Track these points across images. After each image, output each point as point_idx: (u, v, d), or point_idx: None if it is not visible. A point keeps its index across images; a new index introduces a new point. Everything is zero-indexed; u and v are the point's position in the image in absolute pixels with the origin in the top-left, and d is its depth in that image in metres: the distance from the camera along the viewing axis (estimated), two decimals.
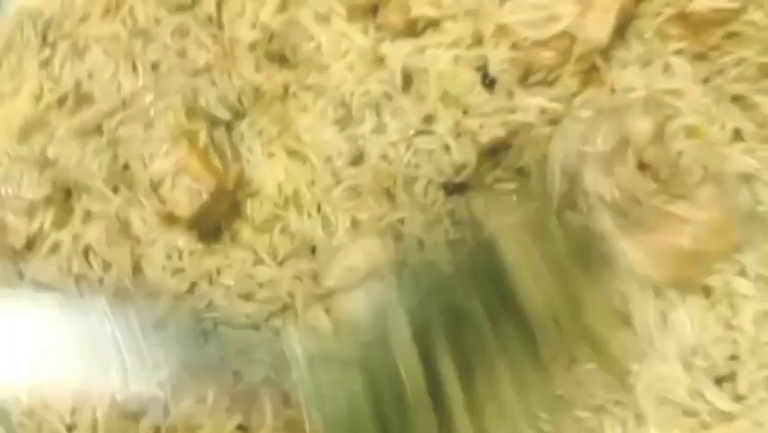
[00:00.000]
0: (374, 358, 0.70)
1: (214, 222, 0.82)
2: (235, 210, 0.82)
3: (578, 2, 0.78)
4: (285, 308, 0.77)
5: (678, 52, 0.79)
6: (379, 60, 0.83)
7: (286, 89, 0.85)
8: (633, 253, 0.74)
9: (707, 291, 0.74)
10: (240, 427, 0.73)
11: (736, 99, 0.78)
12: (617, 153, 0.75)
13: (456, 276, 0.72)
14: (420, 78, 0.80)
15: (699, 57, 0.79)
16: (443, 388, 0.69)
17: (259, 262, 0.80)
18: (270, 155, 0.83)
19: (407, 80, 0.81)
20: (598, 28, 0.78)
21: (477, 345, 0.70)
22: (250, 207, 0.83)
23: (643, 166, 0.76)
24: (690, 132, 0.77)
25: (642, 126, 0.76)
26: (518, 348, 0.70)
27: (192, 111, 0.83)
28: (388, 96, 0.81)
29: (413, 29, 0.83)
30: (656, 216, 0.74)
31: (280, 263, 0.79)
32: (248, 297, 0.78)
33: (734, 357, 0.73)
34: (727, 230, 0.74)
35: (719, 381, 0.73)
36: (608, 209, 0.75)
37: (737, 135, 0.77)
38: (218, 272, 0.80)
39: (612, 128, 0.76)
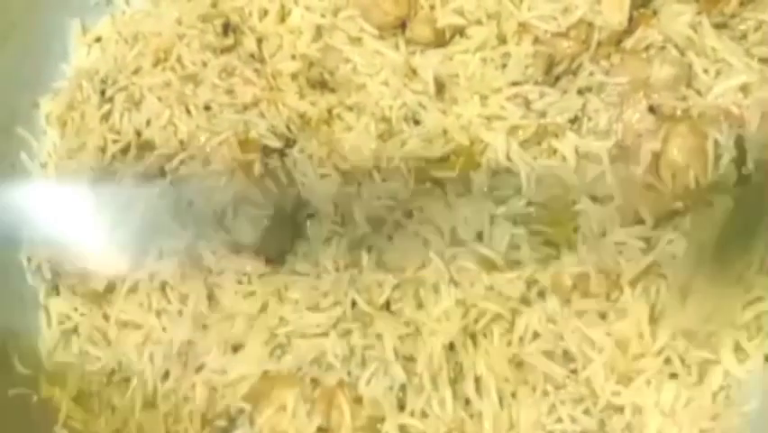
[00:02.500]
0: None
1: (278, 246, 0.86)
2: (297, 231, 0.86)
3: None
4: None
5: (698, 24, 0.81)
6: (412, 73, 0.87)
7: (330, 112, 0.89)
8: None
9: None
10: (320, 428, 0.76)
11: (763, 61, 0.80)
12: None
13: None
14: (451, 83, 0.84)
15: (720, 26, 0.81)
16: None
17: (321, 274, 0.83)
18: (323, 176, 0.87)
19: (440, 87, 0.84)
20: (615, 12, 0.81)
21: None
22: (310, 227, 0.87)
23: None
24: None
25: None
26: None
27: (245, 143, 0.87)
28: (423, 106, 0.84)
29: (441, 39, 0.88)
30: None
31: (338, 270, 0.82)
32: (315, 307, 0.81)
33: None
34: None
35: None
36: None
37: None
38: (286, 289, 0.83)
39: None
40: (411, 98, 0.86)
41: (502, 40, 0.84)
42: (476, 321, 0.79)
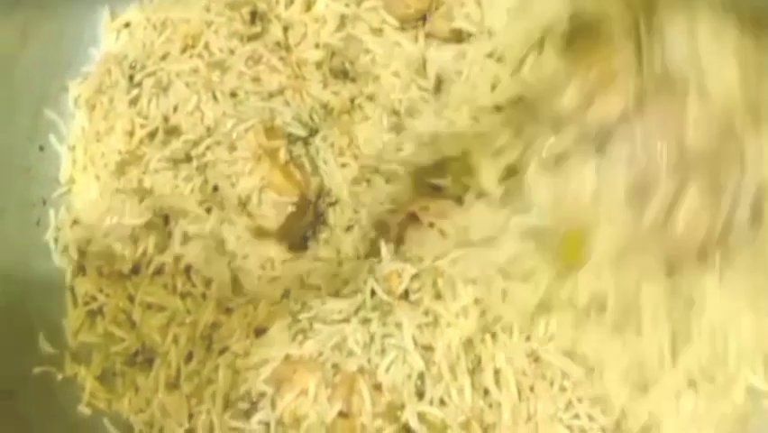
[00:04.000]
0: None
1: (301, 232, 0.88)
2: (319, 219, 0.87)
3: None
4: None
5: None
6: (423, 67, 0.88)
7: (352, 102, 0.90)
8: None
9: None
10: (341, 413, 0.77)
11: None
12: None
13: None
14: (451, 82, 0.85)
15: None
16: None
17: (342, 261, 0.84)
18: (344, 165, 0.88)
19: (438, 85, 0.86)
20: None
21: None
22: (332, 214, 0.88)
23: None
24: None
25: None
26: None
27: (270, 131, 0.88)
28: (425, 100, 0.85)
29: (458, 36, 0.88)
30: None
31: (359, 258, 0.83)
32: (336, 294, 0.82)
33: None
34: None
35: None
36: None
37: None
38: (308, 275, 0.84)
39: None
40: (416, 93, 0.87)
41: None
42: (494, 322, 0.80)
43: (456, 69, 0.86)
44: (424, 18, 0.89)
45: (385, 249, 0.83)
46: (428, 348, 0.80)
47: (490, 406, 0.78)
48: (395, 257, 0.84)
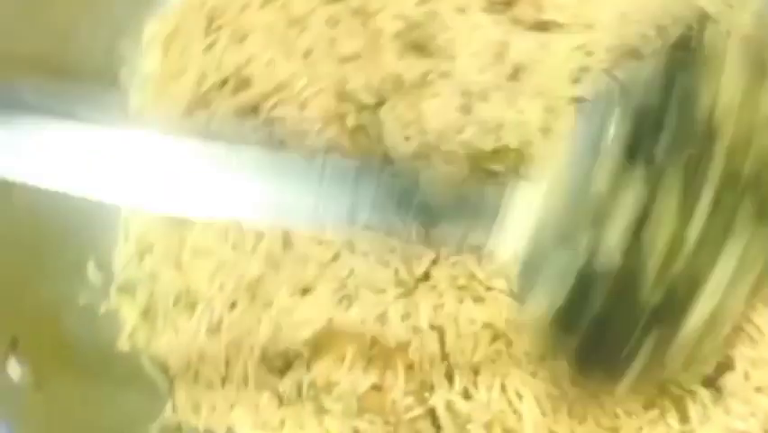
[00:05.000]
0: None
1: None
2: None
3: None
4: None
5: None
6: (502, 52, 0.87)
7: (425, 77, 0.89)
8: None
9: None
10: (374, 386, 0.78)
11: None
12: None
13: None
14: (531, 71, 0.84)
15: None
16: None
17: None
18: (407, 138, 0.88)
19: (515, 73, 0.85)
20: None
21: None
22: None
23: None
24: None
25: None
26: None
27: (341, 95, 0.89)
28: (498, 87, 0.85)
29: (543, 24, 0.87)
30: None
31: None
32: (385, 264, 0.82)
33: None
34: None
35: None
36: None
37: None
38: (358, 241, 0.84)
39: None
40: (491, 78, 0.86)
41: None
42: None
43: (537, 59, 0.85)
44: (510, 3, 0.88)
45: (415, 231, 0.83)
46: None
47: (514, 412, 0.78)
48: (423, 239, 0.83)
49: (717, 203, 0.63)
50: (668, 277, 0.63)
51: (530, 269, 0.68)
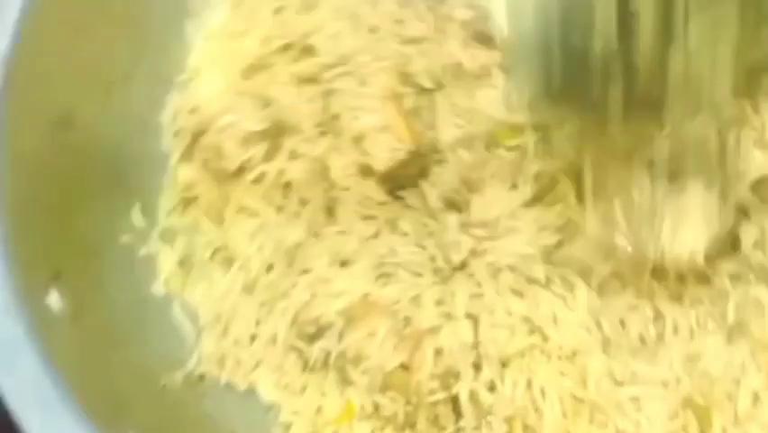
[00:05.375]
0: None
1: (401, 180, 0.89)
2: (422, 173, 0.88)
3: None
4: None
5: None
6: None
7: (485, 69, 0.90)
8: None
9: None
10: (402, 365, 0.79)
11: None
12: None
13: None
14: None
15: None
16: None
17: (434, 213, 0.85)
18: (459, 126, 0.89)
19: None
20: None
21: None
22: (436, 172, 0.89)
23: None
24: None
25: None
26: None
27: (402, 75, 0.90)
28: None
29: None
30: None
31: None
32: (423, 248, 0.84)
33: None
34: None
35: None
36: None
37: None
38: (399, 221, 0.86)
39: None
40: None
41: None
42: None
43: None
44: None
45: (453, 219, 0.84)
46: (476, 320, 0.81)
47: (536, 410, 0.78)
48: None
49: None
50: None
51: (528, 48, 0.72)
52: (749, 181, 0.82)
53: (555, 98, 0.74)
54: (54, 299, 0.75)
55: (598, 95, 0.71)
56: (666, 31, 0.68)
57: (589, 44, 0.69)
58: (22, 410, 0.66)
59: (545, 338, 0.78)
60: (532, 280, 0.81)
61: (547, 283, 0.80)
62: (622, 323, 0.78)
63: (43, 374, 0.68)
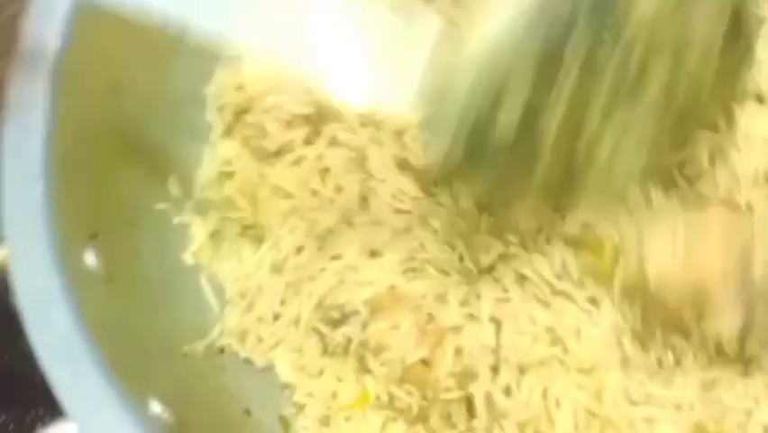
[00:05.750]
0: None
1: (436, 178, 0.90)
2: (457, 173, 0.89)
3: None
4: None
5: None
6: None
7: None
8: None
9: None
10: (423, 360, 0.80)
11: None
12: None
13: None
14: None
15: None
16: None
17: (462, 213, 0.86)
18: None
19: None
20: None
21: None
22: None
23: None
24: None
25: None
26: None
27: None
28: None
29: None
30: None
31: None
32: (452, 246, 0.85)
33: None
34: None
35: None
36: None
37: None
38: (430, 217, 0.86)
39: None
40: None
41: None
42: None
43: None
44: None
45: (485, 221, 0.85)
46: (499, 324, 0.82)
47: (549, 420, 0.79)
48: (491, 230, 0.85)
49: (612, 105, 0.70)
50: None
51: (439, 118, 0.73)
52: None
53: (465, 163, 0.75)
54: (90, 259, 0.76)
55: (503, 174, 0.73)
56: (575, 132, 0.71)
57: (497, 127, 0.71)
58: (51, 364, 0.68)
59: (566, 350, 0.79)
60: (557, 292, 0.81)
61: (573, 297, 0.80)
62: (643, 344, 0.78)
63: (74, 330, 0.70)
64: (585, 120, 0.71)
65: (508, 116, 0.71)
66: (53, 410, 0.82)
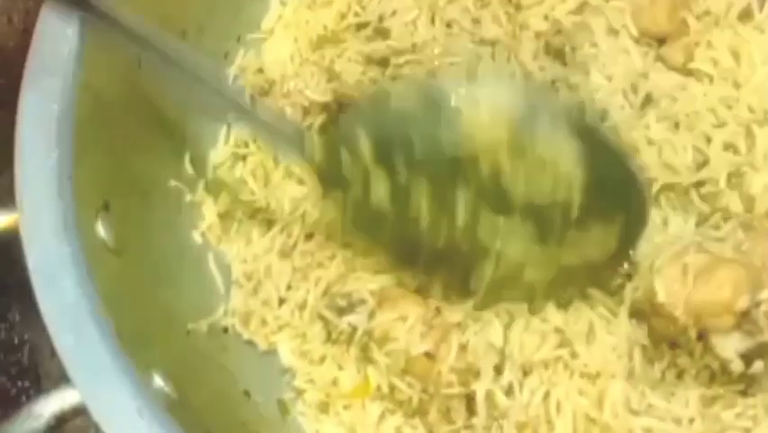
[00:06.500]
0: None
1: None
2: None
3: None
4: None
5: None
6: (637, 84, 0.88)
7: (552, 83, 0.91)
8: None
9: None
10: (427, 353, 0.80)
11: None
12: None
13: None
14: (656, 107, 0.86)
15: None
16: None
17: None
18: None
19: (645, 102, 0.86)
20: None
21: None
22: None
23: None
24: None
25: None
26: None
27: (470, 73, 0.90)
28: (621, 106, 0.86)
29: (689, 71, 0.89)
30: None
31: None
32: None
33: None
34: None
35: None
36: None
37: None
38: None
39: None
40: (618, 102, 0.87)
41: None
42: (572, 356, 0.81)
43: (672, 96, 0.86)
44: (662, 40, 0.89)
45: None
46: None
47: (548, 422, 0.79)
48: None
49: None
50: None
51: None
52: None
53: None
54: (101, 229, 0.76)
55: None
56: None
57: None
58: (57, 329, 0.67)
59: (574, 354, 0.79)
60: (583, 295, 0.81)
61: (593, 304, 0.81)
62: (649, 358, 0.78)
63: (82, 297, 0.69)
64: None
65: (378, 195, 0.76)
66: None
